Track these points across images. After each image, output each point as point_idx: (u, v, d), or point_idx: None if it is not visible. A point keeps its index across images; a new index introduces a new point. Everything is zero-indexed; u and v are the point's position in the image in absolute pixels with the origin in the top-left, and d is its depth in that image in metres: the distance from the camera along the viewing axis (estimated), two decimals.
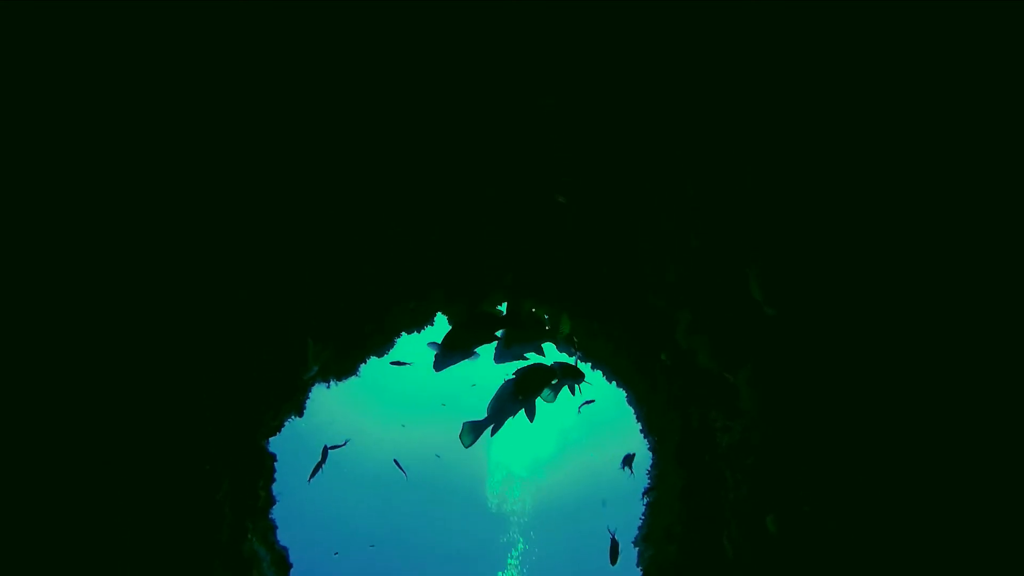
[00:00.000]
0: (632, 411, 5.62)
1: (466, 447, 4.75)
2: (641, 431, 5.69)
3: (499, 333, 4.44)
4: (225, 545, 3.19)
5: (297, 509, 5.24)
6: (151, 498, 2.93)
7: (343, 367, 4.78)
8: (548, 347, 5.11)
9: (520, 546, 24.05)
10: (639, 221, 3.87)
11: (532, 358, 4.59)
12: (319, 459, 4.61)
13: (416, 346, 5.28)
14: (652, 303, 4.19)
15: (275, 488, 4.15)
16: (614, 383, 5.76)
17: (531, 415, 4.40)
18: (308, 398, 4.44)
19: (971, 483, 2.08)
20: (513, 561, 24.32)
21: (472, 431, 4.59)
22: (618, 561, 4.60)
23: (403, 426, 21.21)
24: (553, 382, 4.50)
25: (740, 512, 3.20)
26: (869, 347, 2.40)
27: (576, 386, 4.68)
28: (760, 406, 2.75)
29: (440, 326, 5.17)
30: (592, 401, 4.91)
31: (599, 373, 5.65)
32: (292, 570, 3.99)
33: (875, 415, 2.49)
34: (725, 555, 3.51)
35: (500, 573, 23.96)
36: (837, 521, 2.68)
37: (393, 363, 5.85)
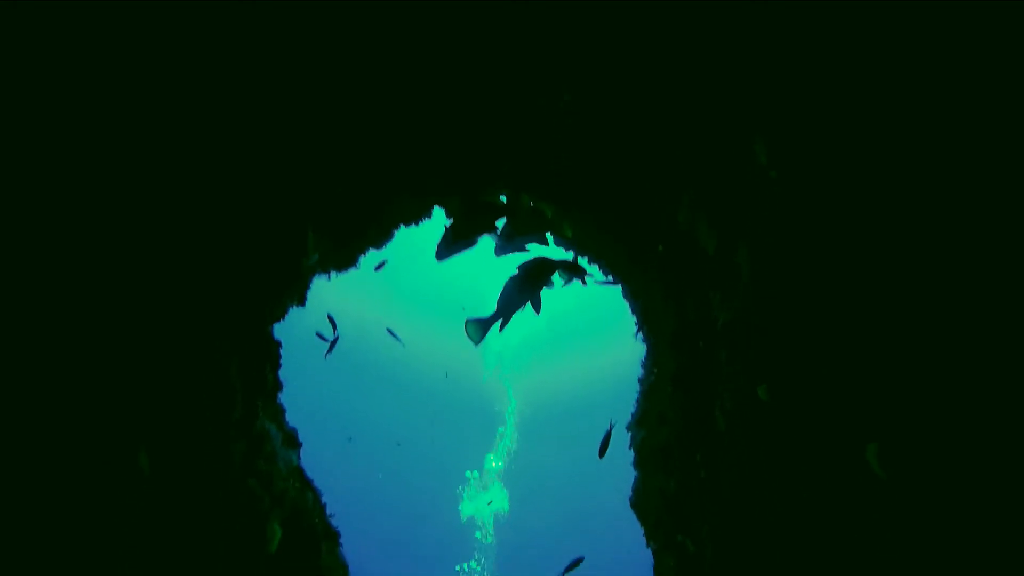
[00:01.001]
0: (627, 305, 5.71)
1: (476, 344, 4.85)
2: (636, 324, 5.82)
3: (499, 225, 4.44)
4: (239, 420, 3.31)
5: (301, 402, 5.39)
6: (166, 378, 3.02)
7: (342, 258, 4.81)
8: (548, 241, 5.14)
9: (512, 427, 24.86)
10: (638, 105, 3.80)
11: (534, 251, 4.62)
12: (332, 339, 4.72)
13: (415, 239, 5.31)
14: (650, 189, 4.18)
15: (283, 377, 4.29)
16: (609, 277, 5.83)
17: (537, 307, 4.47)
18: (309, 288, 4.49)
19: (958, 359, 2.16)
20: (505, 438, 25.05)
21: (479, 328, 4.67)
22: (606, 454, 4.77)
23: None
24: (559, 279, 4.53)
25: (732, 385, 3.34)
26: (872, 217, 2.43)
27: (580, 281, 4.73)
28: (758, 279, 2.81)
29: (437, 219, 5.18)
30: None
31: (595, 268, 5.71)
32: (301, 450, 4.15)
33: (875, 288, 2.55)
34: (717, 429, 3.69)
35: (490, 454, 24.89)
36: (828, 391, 2.81)
37: (377, 267, 5.84)
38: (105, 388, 2.69)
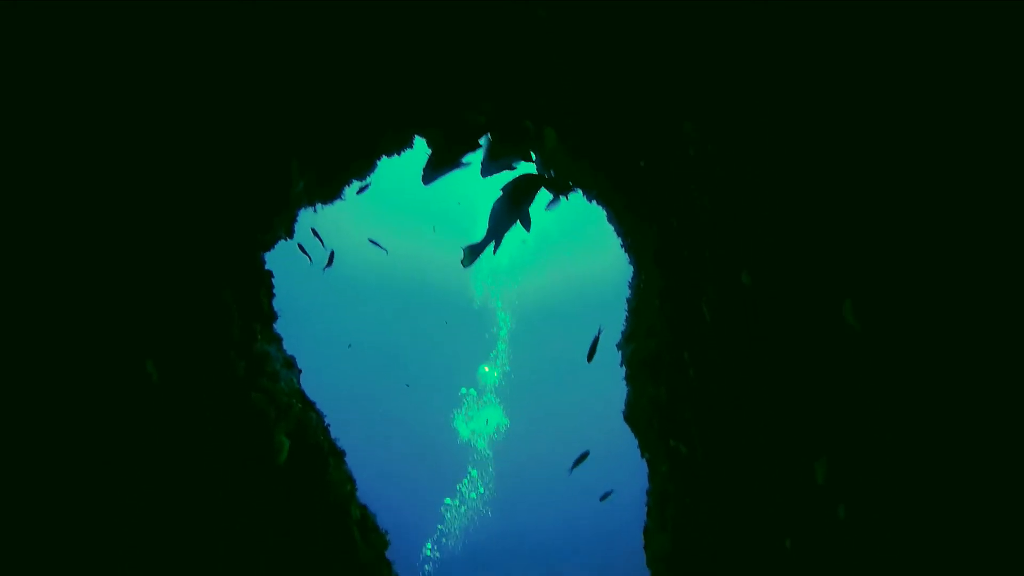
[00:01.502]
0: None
1: (465, 266, 4.93)
2: (622, 246, 5.92)
3: (483, 144, 4.47)
4: (238, 342, 3.37)
5: (296, 319, 5.45)
6: (166, 299, 3.06)
7: (328, 191, 4.83)
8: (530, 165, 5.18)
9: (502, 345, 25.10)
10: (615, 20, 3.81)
11: (520, 168, 4.66)
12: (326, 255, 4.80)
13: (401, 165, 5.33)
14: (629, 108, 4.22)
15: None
16: (593, 202, 5.90)
17: (527, 225, 4.54)
18: (296, 219, 4.52)
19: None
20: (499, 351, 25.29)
21: (472, 252, 4.74)
22: (593, 358, 4.90)
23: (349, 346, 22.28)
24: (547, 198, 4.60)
25: (716, 276, 3.45)
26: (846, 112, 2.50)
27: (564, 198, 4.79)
28: (734, 167, 2.89)
29: (420, 148, 5.19)
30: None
31: (578, 192, 5.76)
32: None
33: (850, 171, 2.64)
34: (703, 326, 3.82)
35: (484, 365, 25.15)
36: (807, 272, 2.92)
37: (359, 191, 5.85)
38: (109, 304, 2.74)
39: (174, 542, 2.83)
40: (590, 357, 4.82)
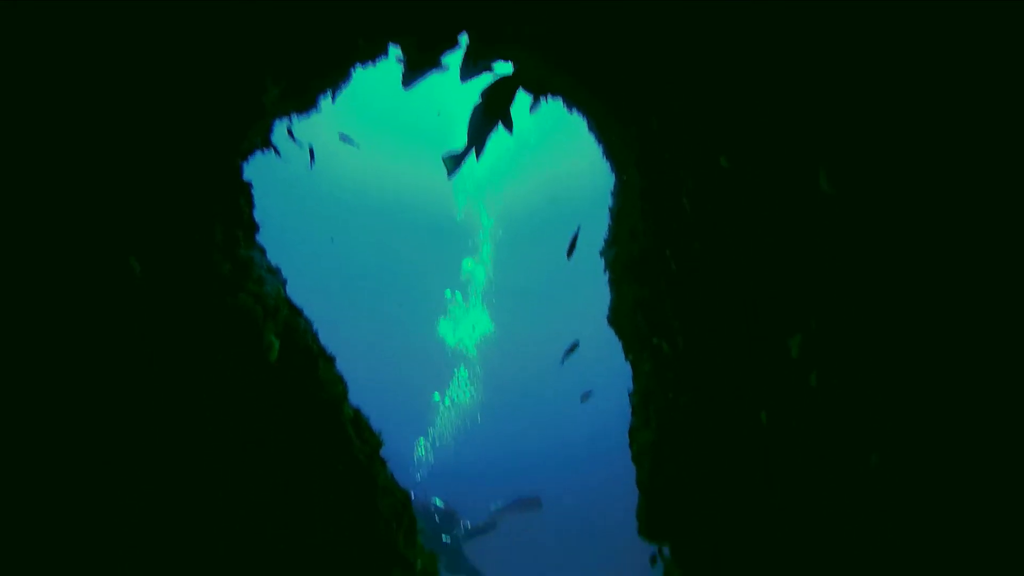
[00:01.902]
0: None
1: (449, 177, 4.90)
2: (603, 154, 5.89)
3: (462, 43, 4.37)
4: (221, 242, 3.38)
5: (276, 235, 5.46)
6: (143, 205, 3.05)
7: (302, 101, 4.74)
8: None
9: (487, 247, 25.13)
10: None
11: (499, 70, 4.58)
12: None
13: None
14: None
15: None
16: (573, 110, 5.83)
17: (509, 127, 4.50)
18: (272, 129, 4.46)
19: None
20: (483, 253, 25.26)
21: (453, 160, 4.70)
22: (573, 255, 4.94)
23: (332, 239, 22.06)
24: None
25: (694, 164, 3.48)
26: None
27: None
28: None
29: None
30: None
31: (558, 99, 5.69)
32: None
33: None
34: (684, 218, 3.87)
35: (469, 258, 25.09)
36: (785, 147, 2.95)
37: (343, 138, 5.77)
38: (89, 203, 2.73)
39: (165, 432, 2.92)
40: (569, 254, 4.87)
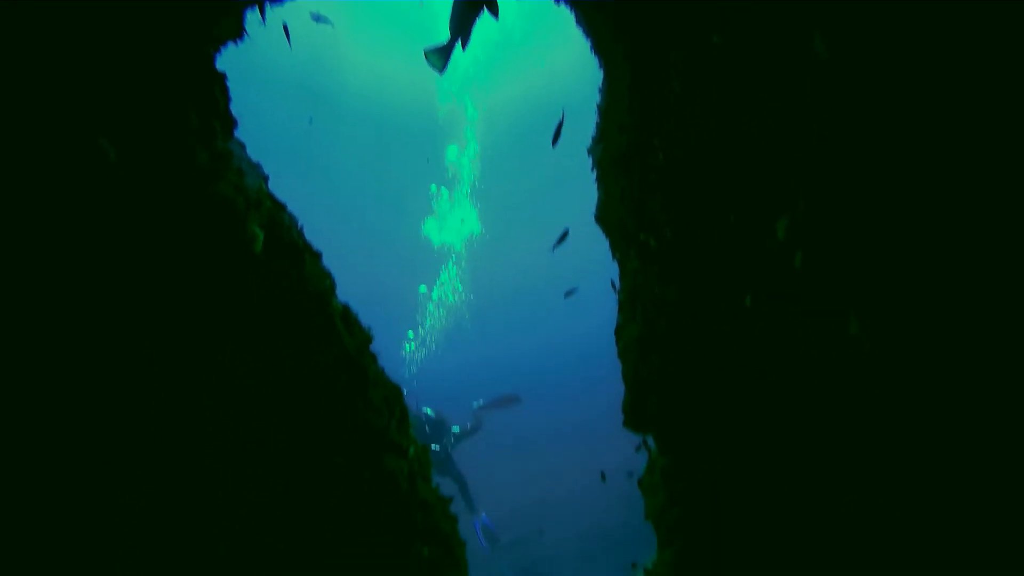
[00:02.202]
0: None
1: (440, 73, 4.71)
2: (591, 49, 5.69)
3: None
4: (197, 129, 3.28)
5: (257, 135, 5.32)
6: (112, 86, 2.92)
7: None
8: None
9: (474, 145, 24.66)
10: None
11: None
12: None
13: None
14: None
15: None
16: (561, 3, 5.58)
17: (495, 10, 4.30)
18: (244, 18, 4.24)
19: None
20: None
21: (440, 53, 4.50)
22: (558, 143, 4.86)
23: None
24: None
25: (683, 46, 3.37)
26: None
27: None
28: None
29: None
30: None
31: None
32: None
33: None
34: (673, 104, 3.79)
35: (454, 145, 24.86)
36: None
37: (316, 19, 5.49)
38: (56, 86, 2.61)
39: (147, 325, 2.92)
40: (554, 142, 4.79)
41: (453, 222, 25.10)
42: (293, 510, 3.19)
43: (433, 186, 24.53)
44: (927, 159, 2.27)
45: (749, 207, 3.37)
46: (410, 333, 25.17)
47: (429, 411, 15.15)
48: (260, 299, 3.47)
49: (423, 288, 26.12)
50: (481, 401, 17.71)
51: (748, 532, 4.01)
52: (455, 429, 15.75)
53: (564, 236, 4.90)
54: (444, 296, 26.13)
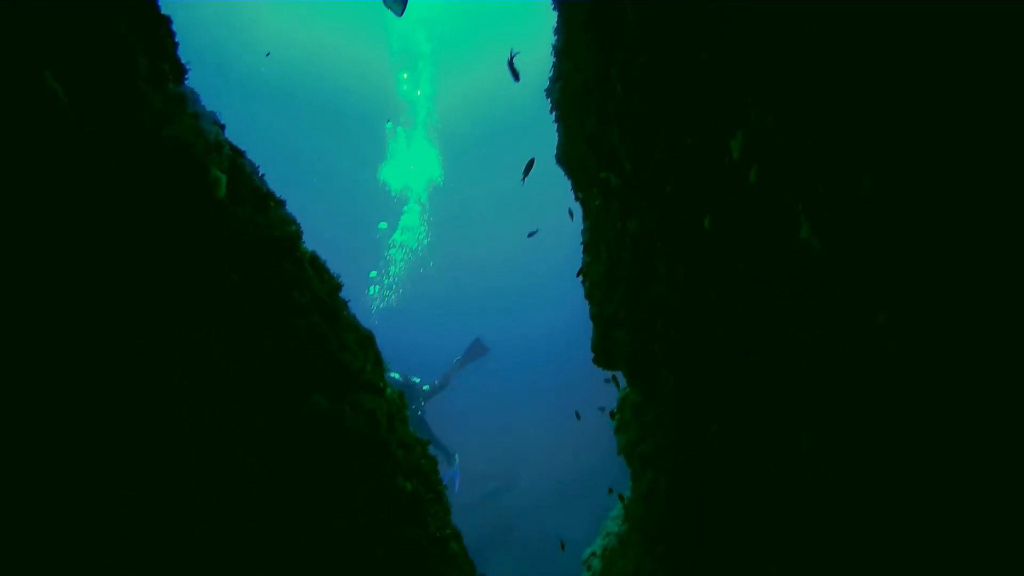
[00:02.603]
0: None
1: (399, 15, 4.65)
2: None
3: None
4: (147, 75, 3.20)
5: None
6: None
7: None
8: None
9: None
10: None
11: None
12: None
13: None
14: None
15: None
16: None
17: None
18: None
19: None
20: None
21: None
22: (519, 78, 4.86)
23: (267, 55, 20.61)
24: None
25: None
26: None
27: None
28: None
29: None
30: None
31: None
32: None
33: None
34: (628, 35, 3.83)
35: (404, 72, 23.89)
36: None
37: None
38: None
39: (112, 276, 2.90)
40: (513, 74, 4.79)
41: (412, 164, 24.09)
42: (277, 450, 3.24)
43: (388, 124, 23.53)
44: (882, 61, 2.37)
45: (705, 128, 3.47)
46: (372, 273, 24.54)
47: (396, 375, 15.04)
48: (225, 246, 3.45)
49: (383, 225, 25.30)
50: (453, 360, 17.78)
51: (717, 460, 4.22)
52: (425, 388, 15.80)
53: (530, 165, 4.94)
54: (406, 241, 25.38)
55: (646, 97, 3.79)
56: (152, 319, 3.04)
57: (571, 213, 5.27)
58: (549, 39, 5.37)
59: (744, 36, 2.86)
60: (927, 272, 2.11)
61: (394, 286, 25.36)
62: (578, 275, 6.07)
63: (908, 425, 2.29)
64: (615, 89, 4.19)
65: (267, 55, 21.71)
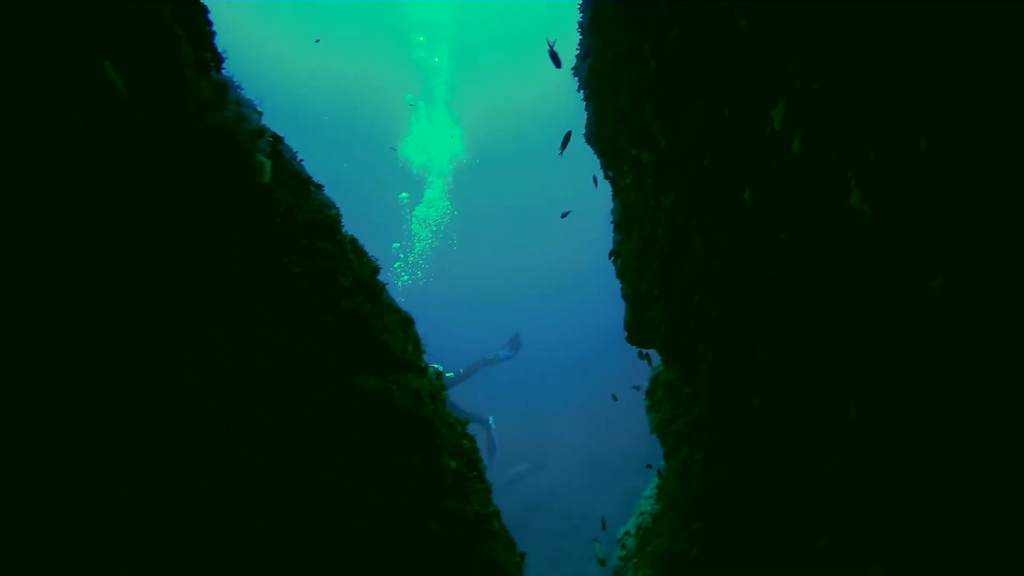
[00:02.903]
0: None
1: None
2: None
3: None
4: (192, 63, 3.25)
5: None
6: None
7: None
8: None
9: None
10: None
11: None
12: None
13: None
14: None
15: None
16: None
17: None
18: None
19: None
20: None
21: None
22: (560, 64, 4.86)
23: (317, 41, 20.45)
24: None
25: None
26: None
27: None
28: None
29: None
30: None
31: None
32: None
33: None
34: (661, 11, 3.80)
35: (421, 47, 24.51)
36: None
37: None
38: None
39: (160, 259, 2.97)
40: (555, 60, 4.79)
41: (435, 138, 23.69)
42: (333, 429, 3.32)
43: (408, 96, 23.07)
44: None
45: (743, 99, 3.44)
46: (395, 244, 24.10)
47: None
48: (270, 230, 3.51)
49: (404, 196, 24.67)
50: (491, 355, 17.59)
51: (758, 435, 4.23)
52: (450, 375, 15.86)
53: (567, 138, 4.94)
54: (429, 216, 24.84)
55: (681, 70, 3.76)
56: (205, 298, 3.12)
57: (595, 180, 5.26)
58: (566, 17, 5.35)
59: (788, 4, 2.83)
60: (987, 233, 2.09)
61: (420, 263, 24.72)
62: (610, 256, 6.07)
63: (967, 389, 2.28)
64: (648, 64, 4.17)
65: (316, 41, 21.49)
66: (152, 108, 3.01)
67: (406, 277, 24.34)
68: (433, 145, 23.87)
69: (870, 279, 2.70)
